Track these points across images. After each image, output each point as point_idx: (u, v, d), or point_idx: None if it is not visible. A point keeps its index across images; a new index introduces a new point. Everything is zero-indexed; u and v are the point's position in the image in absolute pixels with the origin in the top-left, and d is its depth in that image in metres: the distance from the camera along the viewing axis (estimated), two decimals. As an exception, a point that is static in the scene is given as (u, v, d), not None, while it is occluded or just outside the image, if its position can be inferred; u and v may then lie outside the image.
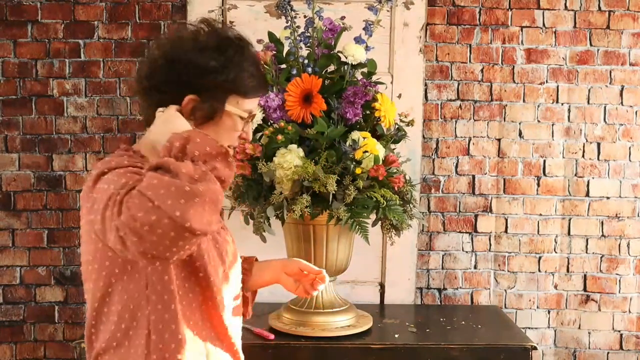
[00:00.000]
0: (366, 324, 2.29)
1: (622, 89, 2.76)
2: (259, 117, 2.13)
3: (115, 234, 1.17)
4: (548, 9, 2.74)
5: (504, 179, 2.79)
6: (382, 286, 2.75)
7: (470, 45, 2.76)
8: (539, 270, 2.80)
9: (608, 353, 2.81)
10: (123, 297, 1.37)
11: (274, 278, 1.77)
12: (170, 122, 1.36)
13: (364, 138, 2.06)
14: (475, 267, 2.80)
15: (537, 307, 2.81)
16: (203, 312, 1.44)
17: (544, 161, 2.78)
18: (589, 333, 2.80)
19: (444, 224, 2.80)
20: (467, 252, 2.80)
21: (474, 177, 2.79)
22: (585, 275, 2.80)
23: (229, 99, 1.41)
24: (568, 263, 2.80)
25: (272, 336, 2.21)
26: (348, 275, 2.47)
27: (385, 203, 2.04)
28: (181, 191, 1.14)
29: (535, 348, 2.22)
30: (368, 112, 2.15)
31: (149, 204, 1.13)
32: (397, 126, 2.22)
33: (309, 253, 2.21)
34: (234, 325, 1.54)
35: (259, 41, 2.24)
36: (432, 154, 2.77)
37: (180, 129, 1.32)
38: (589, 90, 2.77)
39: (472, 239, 2.80)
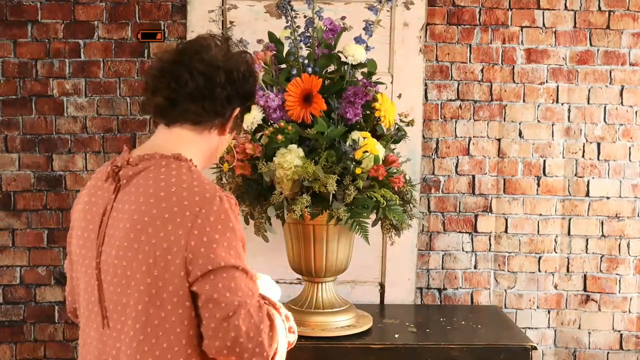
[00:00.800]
0: (366, 324, 2.29)
1: (622, 89, 2.76)
2: (259, 117, 2.13)
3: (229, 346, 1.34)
4: (548, 9, 2.74)
5: (504, 179, 2.79)
6: (382, 286, 2.75)
7: (470, 45, 2.76)
8: (539, 270, 2.80)
9: (608, 353, 2.81)
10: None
11: None
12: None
13: (364, 138, 2.06)
14: (475, 267, 2.81)
15: (537, 307, 2.81)
16: None
17: (544, 161, 2.78)
18: (589, 333, 2.80)
19: (444, 224, 2.80)
20: (467, 252, 2.80)
21: (474, 177, 2.79)
22: (585, 275, 2.80)
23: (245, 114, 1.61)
24: (568, 263, 2.80)
25: (272, 336, 2.20)
26: (348, 275, 2.48)
27: (385, 203, 2.04)
28: None
29: (535, 348, 2.22)
30: (368, 112, 2.15)
31: None
32: (397, 126, 2.22)
33: (309, 253, 2.21)
34: None
35: (259, 41, 2.24)
36: (432, 154, 2.77)
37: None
38: (589, 90, 2.77)
39: (472, 239, 2.80)
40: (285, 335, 1.46)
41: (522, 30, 2.75)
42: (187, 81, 1.44)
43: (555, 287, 2.81)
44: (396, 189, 2.10)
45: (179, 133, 1.48)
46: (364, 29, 2.20)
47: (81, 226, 1.48)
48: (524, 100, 2.77)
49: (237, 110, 1.52)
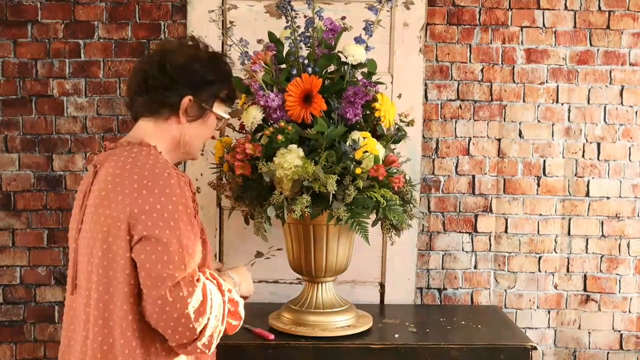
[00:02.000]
0: (366, 324, 2.29)
1: (622, 89, 2.76)
2: (259, 117, 2.13)
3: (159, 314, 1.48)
4: (548, 9, 2.74)
5: (504, 179, 2.79)
6: (382, 286, 2.75)
7: (470, 45, 2.76)
8: (539, 270, 2.80)
9: (608, 353, 2.81)
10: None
11: None
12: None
13: (364, 138, 2.06)
14: (475, 267, 2.81)
15: (537, 307, 2.81)
16: None
17: (544, 161, 2.78)
18: (589, 333, 2.80)
19: (444, 224, 2.80)
20: (467, 252, 2.80)
21: (474, 177, 2.79)
22: (585, 275, 2.80)
23: (216, 103, 1.73)
24: (568, 263, 2.80)
25: (272, 336, 2.21)
26: (348, 275, 2.48)
27: (385, 203, 2.04)
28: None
29: (535, 348, 2.22)
30: (368, 112, 2.15)
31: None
32: (397, 126, 2.22)
33: (309, 253, 2.21)
34: None
35: (259, 41, 2.24)
36: (432, 154, 2.77)
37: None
38: (589, 90, 2.77)
39: (472, 239, 2.80)
40: (221, 315, 1.57)
41: (522, 30, 2.75)
42: (133, 78, 1.69)
43: (555, 287, 2.81)
44: (396, 189, 2.10)
45: (142, 125, 1.69)
46: (364, 29, 2.20)
47: (73, 212, 1.67)
48: (524, 100, 2.77)
49: (187, 98, 1.65)
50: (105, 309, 1.52)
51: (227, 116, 1.77)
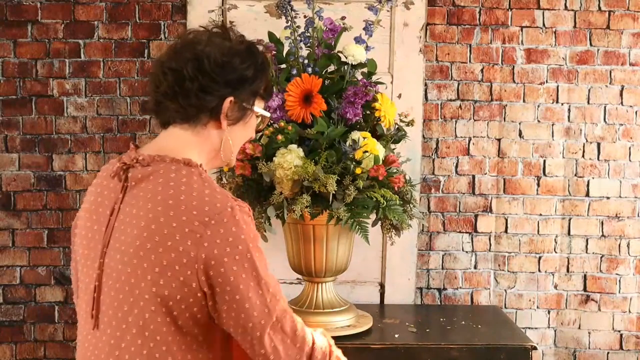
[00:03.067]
0: (366, 324, 2.29)
1: (622, 89, 2.76)
2: (259, 117, 2.13)
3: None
4: (548, 9, 2.74)
5: (504, 179, 2.79)
6: (382, 286, 2.75)
7: (470, 45, 2.76)
8: (539, 270, 2.80)
9: (608, 353, 2.81)
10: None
11: None
12: None
13: (364, 138, 2.06)
14: (475, 267, 2.80)
15: (537, 307, 2.81)
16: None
17: (544, 161, 2.78)
18: (589, 333, 2.80)
19: (444, 224, 2.80)
20: (467, 252, 2.80)
21: (474, 177, 2.79)
22: (585, 275, 2.80)
23: (256, 101, 1.50)
24: (568, 263, 2.80)
25: (272, 336, 2.20)
26: (348, 275, 2.48)
27: (385, 203, 2.04)
28: None
29: (535, 348, 2.22)
30: (368, 112, 2.15)
31: None
32: (397, 126, 2.22)
33: (309, 253, 2.21)
34: None
35: (259, 41, 2.23)
36: (432, 154, 2.77)
37: None
38: (589, 90, 2.77)
39: (472, 239, 2.80)
40: None
41: (522, 30, 2.75)
42: (161, 81, 1.43)
43: (555, 287, 2.81)
44: (396, 189, 2.10)
45: (176, 133, 1.45)
46: (364, 29, 2.20)
47: (86, 225, 1.44)
48: (524, 100, 2.77)
49: (229, 99, 1.43)
50: (142, 353, 1.33)
51: (268, 114, 1.55)
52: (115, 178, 1.42)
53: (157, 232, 1.31)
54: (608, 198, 2.78)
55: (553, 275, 2.81)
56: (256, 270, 1.34)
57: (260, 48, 1.53)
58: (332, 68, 2.20)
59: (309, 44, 2.20)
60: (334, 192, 1.98)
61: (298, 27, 2.17)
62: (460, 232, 2.80)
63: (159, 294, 1.30)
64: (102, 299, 1.37)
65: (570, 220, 2.79)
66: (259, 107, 1.51)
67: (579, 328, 2.81)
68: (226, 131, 1.46)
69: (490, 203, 2.79)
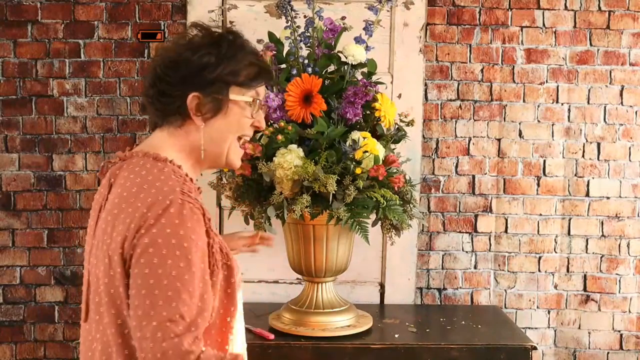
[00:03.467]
0: (366, 324, 2.29)
1: (622, 89, 2.76)
2: (259, 117, 2.13)
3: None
4: (548, 9, 2.74)
5: (504, 179, 2.79)
6: (382, 286, 2.75)
7: (470, 45, 2.76)
8: (539, 270, 2.80)
9: (608, 353, 2.81)
10: None
11: None
12: None
13: (364, 138, 2.06)
14: (475, 267, 2.80)
15: (537, 307, 2.81)
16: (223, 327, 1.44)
17: (544, 161, 2.78)
18: (589, 333, 2.80)
19: (444, 224, 2.80)
20: (467, 252, 2.80)
21: (474, 177, 2.79)
22: (585, 275, 2.80)
23: (231, 90, 1.44)
24: (568, 263, 2.80)
25: (272, 336, 2.21)
26: (348, 275, 2.48)
27: (385, 203, 2.04)
28: None
29: (535, 348, 2.22)
30: (368, 112, 2.15)
31: None
32: (397, 126, 2.22)
33: (309, 253, 2.21)
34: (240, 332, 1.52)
35: (259, 41, 2.25)
36: (432, 154, 2.77)
37: None
38: (589, 90, 2.77)
39: (472, 239, 2.80)
40: None
41: (522, 30, 2.75)
42: (145, 87, 1.49)
43: (555, 287, 2.81)
44: (396, 189, 2.10)
45: (157, 135, 1.48)
46: (364, 29, 2.20)
47: (89, 224, 1.50)
48: (524, 100, 2.77)
49: (191, 95, 1.41)
50: (115, 341, 1.34)
51: (249, 99, 1.46)
52: (104, 176, 1.48)
53: (111, 222, 1.35)
54: (608, 198, 2.78)
55: (553, 275, 2.81)
56: (162, 268, 1.27)
57: (231, 37, 1.47)
58: (332, 68, 2.20)
59: (309, 44, 2.20)
60: (334, 192, 1.98)
61: (298, 27, 2.17)
62: (460, 232, 2.80)
63: (110, 285, 1.34)
64: (90, 292, 1.41)
65: (570, 220, 2.79)
66: (239, 95, 1.45)
67: (579, 328, 2.81)
68: (202, 127, 1.44)
69: (490, 203, 2.79)
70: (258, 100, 1.48)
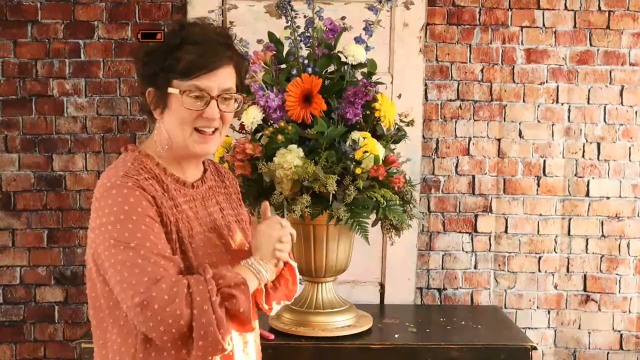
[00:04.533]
0: (366, 324, 2.29)
1: (622, 89, 2.76)
2: (259, 117, 2.13)
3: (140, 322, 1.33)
4: (548, 9, 2.74)
5: (504, 179, 2.79)
6: (382, 286, 2.75)
7: (470, 45, 2.76)
8: (539, 270, 2.80)
9: (608, 353, 2.81)
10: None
11: None
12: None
13: (364, 138, 2.06)
14: (475, 267, 2.80)
15: (537, 307, 2.81)
16: None
17: (544, 161, 2.78)
18: (589, 333, 2.80)
19: (444, 224, 2.80)
20: (467, 252, 2.80)
21: (474, 177, 2.79)
22: (585, 275, 2.80)
23: (173, 83, 1.45)
24: (568, 263, 2.80)
25: (272, 336, 2.21)
26: (348, 275, 2.47)
27: (385, 203, 2.04)
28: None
29: (535, 348, 2.22)
30: (368, 112, 2.15)
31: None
32: (397, 126, 2.22)
33: (309, 253, 2.21)
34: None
35: (259, 41, 2.24)
36: (432, 154, 2.77)
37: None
38: (589, 90, 2.77)
39: (472, 239, 2.80)
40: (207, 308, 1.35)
41: (522, 30, 2.75)
42: None
43: (555, 287, 2.81)
44: (396, 189, 2.10)
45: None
46: (364, 29, 2.20)
47: None
48: (524, 100, 2.77)
49: (147, 90, 1.48)
50: (99, 342, 1.46)
51: (175, 91, 1.43)
52: None
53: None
54: (608, 198, 2.78)
55: (553, 275, 2.81)
56: (114, 239, 1.35)
57: (177, 28, 1.55)
58: (332, 68, 2.20)
59: (309, 44, 2.20)
60: (334, 192, 1.98)
61: (298, 27, 2.16)
62: (460, 232, 2.80)
63: (90, 278, 1.44)
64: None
65: (570, 220, 2.79)
66: (177, 88, 1.43)
67: (579, 328, 2.81)
68: (159, 120, 1.49)
69: (490, 203, 2.79)
70: (194, 92, 1.44)
